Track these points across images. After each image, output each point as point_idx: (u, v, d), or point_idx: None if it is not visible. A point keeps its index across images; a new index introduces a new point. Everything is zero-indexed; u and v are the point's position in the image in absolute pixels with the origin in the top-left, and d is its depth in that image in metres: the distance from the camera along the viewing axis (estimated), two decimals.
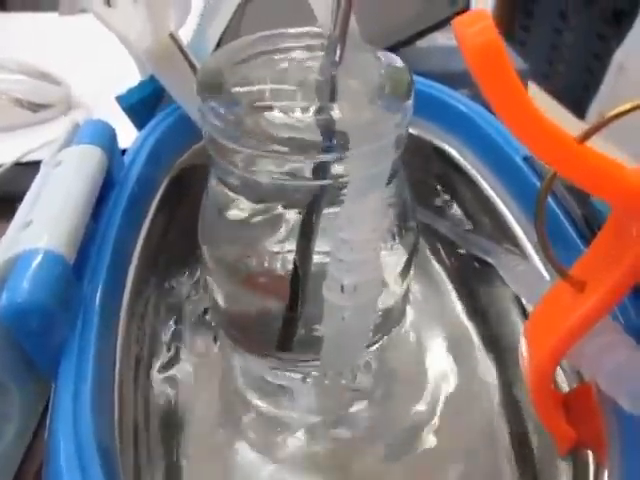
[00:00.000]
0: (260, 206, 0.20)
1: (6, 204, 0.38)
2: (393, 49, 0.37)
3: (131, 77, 0.28)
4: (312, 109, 0.17)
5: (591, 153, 0.14)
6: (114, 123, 0.25)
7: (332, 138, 0.17)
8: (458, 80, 0.29)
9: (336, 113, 0.17)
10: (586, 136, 0.14)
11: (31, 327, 0.17)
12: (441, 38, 0.55)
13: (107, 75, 0.37)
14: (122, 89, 0.28)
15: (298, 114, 0.17)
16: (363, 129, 0.17)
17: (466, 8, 0.39)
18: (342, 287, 0.18)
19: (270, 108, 0.18)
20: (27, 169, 0.43)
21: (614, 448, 0.17)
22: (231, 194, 0.20)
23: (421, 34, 0.42)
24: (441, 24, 0.40)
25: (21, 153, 0.43)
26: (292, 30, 0.20)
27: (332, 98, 0.17)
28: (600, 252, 0.17)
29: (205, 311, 0.26)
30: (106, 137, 0.23)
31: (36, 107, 0.48)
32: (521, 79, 0.13)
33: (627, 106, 0.14)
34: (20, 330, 0.17)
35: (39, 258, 0.17)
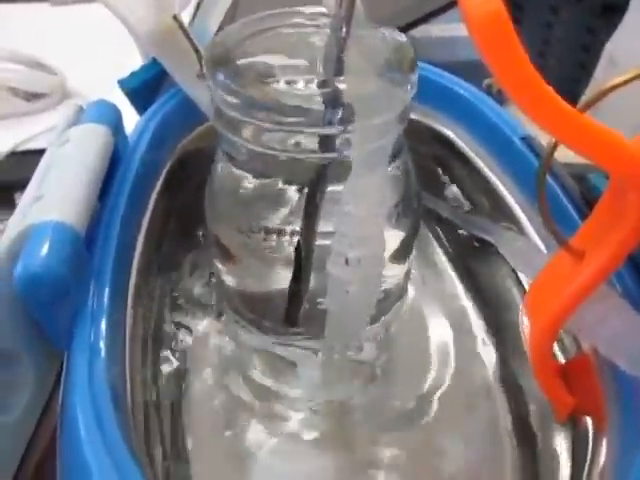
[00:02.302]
0: (267, 182, 0.20)
1: (1, 193, 0.38)
2: None
3: (127, 66, 0.28)
4: (319, 82, 0.18)
5: (592, 123, 0.14)
6: None
7: (339, 110, 0.17)
8: (453, 71, 0.29)
9: (343, 86, 0.17)
10: (587, 105, 0.14)
11: (46, 296, 0.17)
12: (435, 30, 0.56)
13: (102, 65, 0.37)
14: (118, 78, 0.27)
15: (305, 86, 0.17)
16: (369, 101, 0.17)
17: None
18: (346, 260, 0.19)
19: (277, 80, 0.18)
20: (22, 158, 0.43)
21: (613, 415, 0.18)
22: (238, 171, 0.21)
23: (415, 23, 0.42)
24: (436, 13, 0.41)
25: (16, 142, 0.43)
26: (299, 9, 0.20)
27: (339, 72, 0.17)
28: (598, 222, 0.17)
29: (209, 285, 0.26)
30: (112, 116, 0.23)
31: (31, 96, 0.48)
32: None
33: (628, 75, 0.14)
34: (35, 300, 0.17)
35: (52, 230, 0.18)
